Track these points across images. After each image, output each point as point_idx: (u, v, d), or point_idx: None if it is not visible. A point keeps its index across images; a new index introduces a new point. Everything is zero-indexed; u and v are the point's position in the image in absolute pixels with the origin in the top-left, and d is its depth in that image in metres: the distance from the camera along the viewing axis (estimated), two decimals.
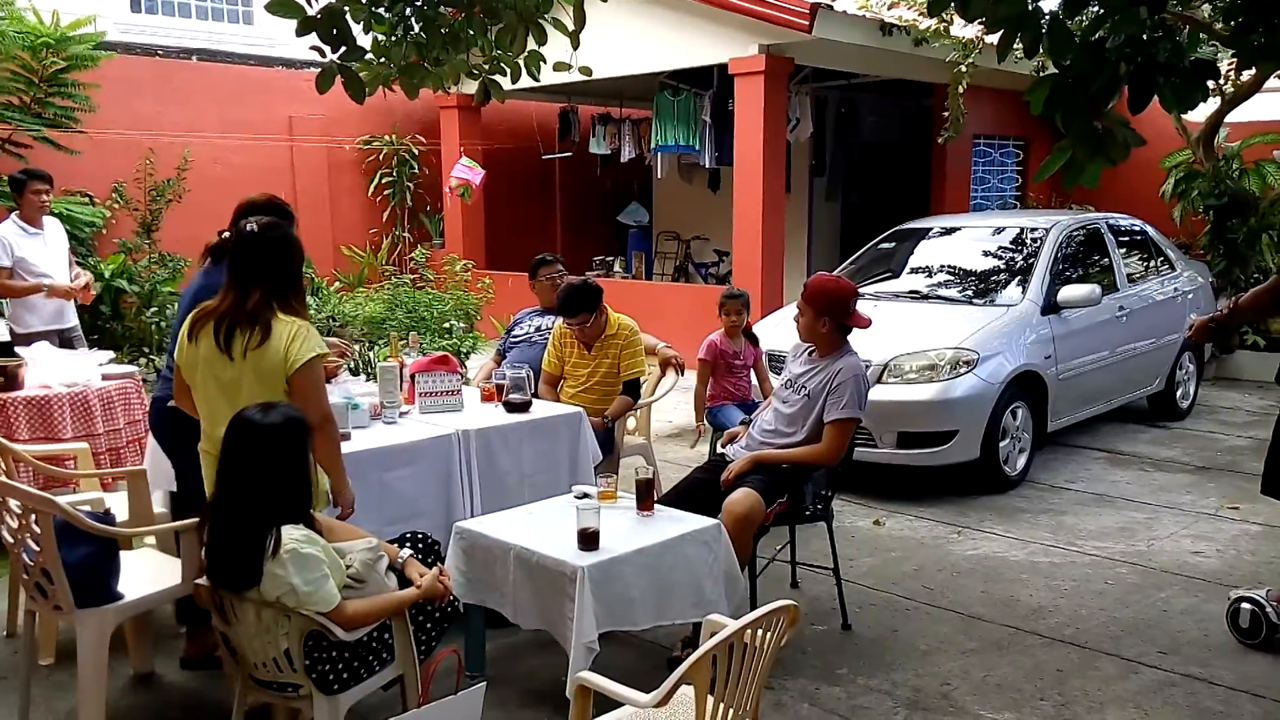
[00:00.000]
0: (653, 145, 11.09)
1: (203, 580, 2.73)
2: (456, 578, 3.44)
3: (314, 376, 3.08)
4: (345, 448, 3.72)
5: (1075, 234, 6.96)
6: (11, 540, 3.23)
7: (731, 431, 4.46)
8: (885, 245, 7.57)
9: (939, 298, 6.67)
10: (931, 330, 6.01)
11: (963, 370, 5.71)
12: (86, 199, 9.54)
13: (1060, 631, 4.04)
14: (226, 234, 3.55)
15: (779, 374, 4.81)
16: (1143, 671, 3.70)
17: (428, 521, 3.73)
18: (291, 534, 2.63)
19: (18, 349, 5.14)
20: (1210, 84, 8.98)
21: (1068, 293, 6.34)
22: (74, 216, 8.78)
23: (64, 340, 6.16)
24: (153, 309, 8.61)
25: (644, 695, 2.35)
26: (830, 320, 4.01)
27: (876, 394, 5.54)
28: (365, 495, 3.66)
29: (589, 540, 3.23)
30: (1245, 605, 3.88)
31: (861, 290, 6.69)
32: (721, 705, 2.40)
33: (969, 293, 6.64)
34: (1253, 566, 4.67)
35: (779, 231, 9.32)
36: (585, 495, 3.51)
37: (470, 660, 3.64)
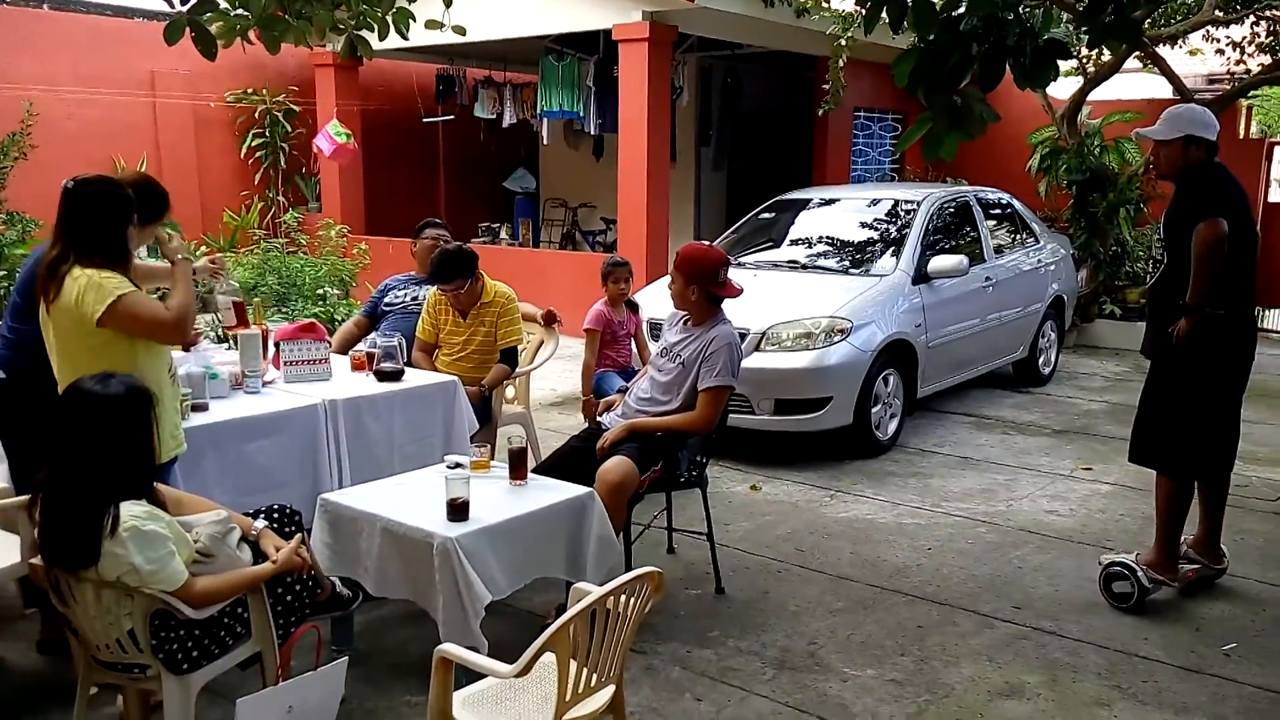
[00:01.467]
0: (538, 110, 10.94)
1: (37, 559, 2.57)
2: (321, 550, 3.34)
3: (125, 310, 2.92)
4: (203, 418, 3.60)
5: (946, 206, 7.17)
6: None
7: (607, 400, 4.45)
8: (766, 215, 7.65)
9: (817, 267, 6.79)
10: (808, 299, 6.12)
11: (837, 338, 5.83)
12: None
13: (922, 590, 4.19)
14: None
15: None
16: (997, 626, 3.87)
17: (293, 494, 3.61)
18: (132, 510, 2.49)
19: None
20: (1071, 63, 9.30)
21: (937, 263, 6.53)
22: None
23: None
24: (1, 272, 8.07)
25: (505, 666, 2.33)
26: (699, 288, 4.02)
27: (755, 361, 5.64)
28: (224, 467, 3.55)
29: (458, 511, 3.18)
30: (1116, 568, 4.00)
31: (741, 260, 6.85)
32: (585, 671, 2.40)
33: (845, 263, 6.78)
34: (1102, 524, 4.93)
35: (664, 200, 9.34)
36: (458, 465, 3.45)
37: (337, 634, 3.56)
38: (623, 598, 2.42)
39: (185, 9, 3.44)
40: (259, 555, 2.87)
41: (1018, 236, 7.87)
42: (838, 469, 5.79)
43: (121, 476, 2.54)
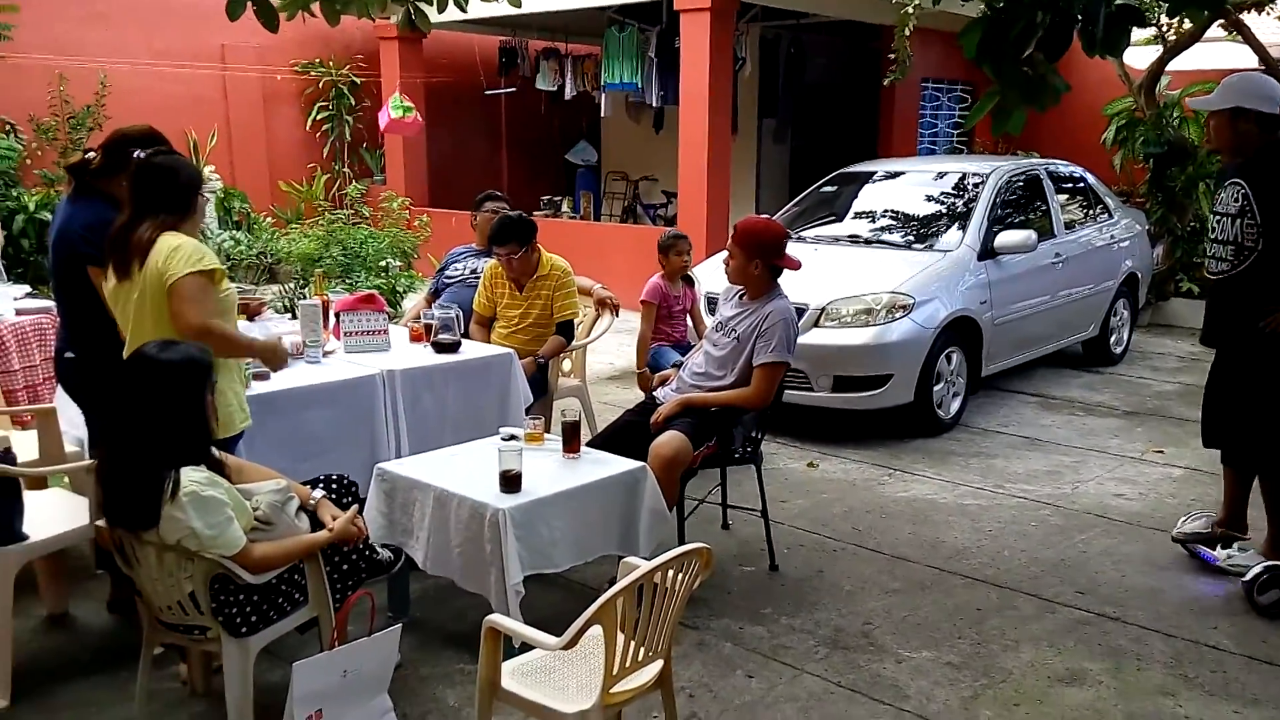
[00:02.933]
0: (600, 83, 10.88)
1: (102, 522, 2.65)
2: (376, 519, 3.39)
3: (189, 285, 2.92)
4: (264, 386, 3.66)
5: (1015, 180, 6.98)
6: None
7: (662, 374, 4.43)
8: (828, 189, 7.53)
9: (879, 242, 6.66)
10: (869, 274, 6.01)
11: (898, 315, 5.72)
12: (9, 129, 9.15)
13: (982, 572, 4.11)
14: (91, 153, 3.43)
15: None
16: (1059, 611, 3.78)
17: (349, 462, 3.66)
18: (192, 476, 2.55)
19: None
20: (1149, 31, 8.91)
21: (1004, 238, 6.36)
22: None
23: None
24: None
25: (553, 638, 2.34)
26: (762, 262, 3.97)
27: (813, 338, 5.57)
28: (283, 435, 3.59)
29: (511, 483, 3.19)
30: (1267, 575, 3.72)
31: (801, 234, 6.75)
32: (633, 645, 2.39)
33: (908, 237, 6.64)
34: (1173, 509, 4.77)
35: (725, 173, 9.24)
36: (512, 437, 3.46)
37: (394, 602, 3.61)
38: (671, 573, 2.41)
39: None
40: (316, 524, 2.92)
41: (1090, 211, 7.62)
42: (897, 447, 5.70)
43: (179, 442, 2.60)
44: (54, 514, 3.37)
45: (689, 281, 5.61)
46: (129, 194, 3.05)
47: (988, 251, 6.31)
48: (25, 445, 3.85)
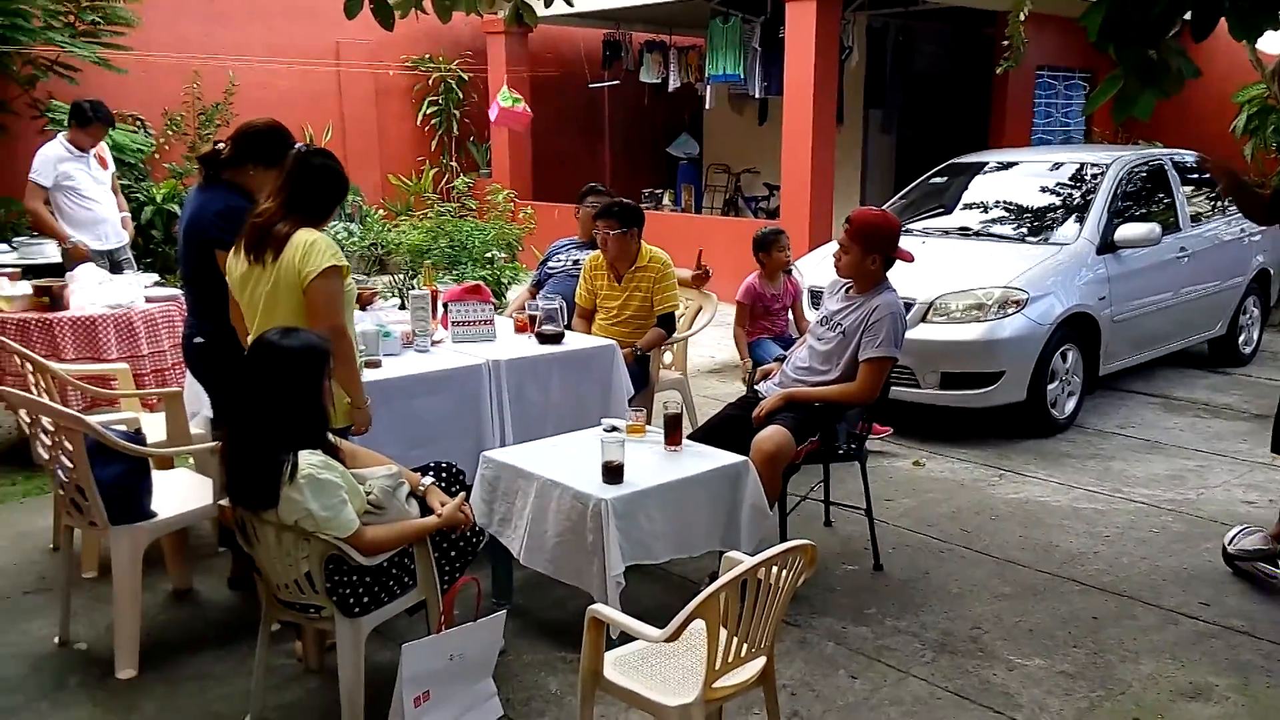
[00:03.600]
0: (704, 75, 10.83)
1: (225, 501, 2.75)
2: (480, 507, 3.44)
3: (325, 288, 3.05)
4: (376, 374, 3.74)
5: (1137, 170, 6.67)
6: (47, 458, 3.28)
7: (765, 368, 4.39)
8: (937, 180, 7.33)
9: (990, 235, 6.47)
10: (980, 268, 5.83)
11: (1011, 310, 5.54)
12: (138, 124, 9.61)
13: (1099, 579, 3.95)
14: (221, 145, 3.58)
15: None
16: (1182, 622, 3.61)
17: (455, 450, 3.72)
18: (309, 459, 2.63)
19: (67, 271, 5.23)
20: None
21: (1126, 231, 6.09)
22: (123, 144, 8.85)
23: (114, 263, 6.25)
24: None
25: (655, 630, 2.33)
26: (880, 256, 3.88)
27: (920, 333, 5.43)
28: (393, 422, 3.67)
29: (613, 473, 3.20)
30: None
31: (909, 226, 6.59)
32: (735, 641, 2.37)
33: (1022, 230, 6.42)
34: None
35: (829, 165, 9.09)
36: (614, 429, 3.47)
37: (497, 588, 3.67)
38: (775, 569, 2.38)
39: None
40: (425, 509, 2.98)
41: (1218, 204, 7.24)
42: (1008, 447, 5.52)
43: (299, 425, 2.68)
44: (180, 493, 3.52)
45: (790, 274, 5.54)
46: (280, 185, 3.15)
47: (1108, 245, 6.05)
48: (153, 427, 4.04)
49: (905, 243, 4.04)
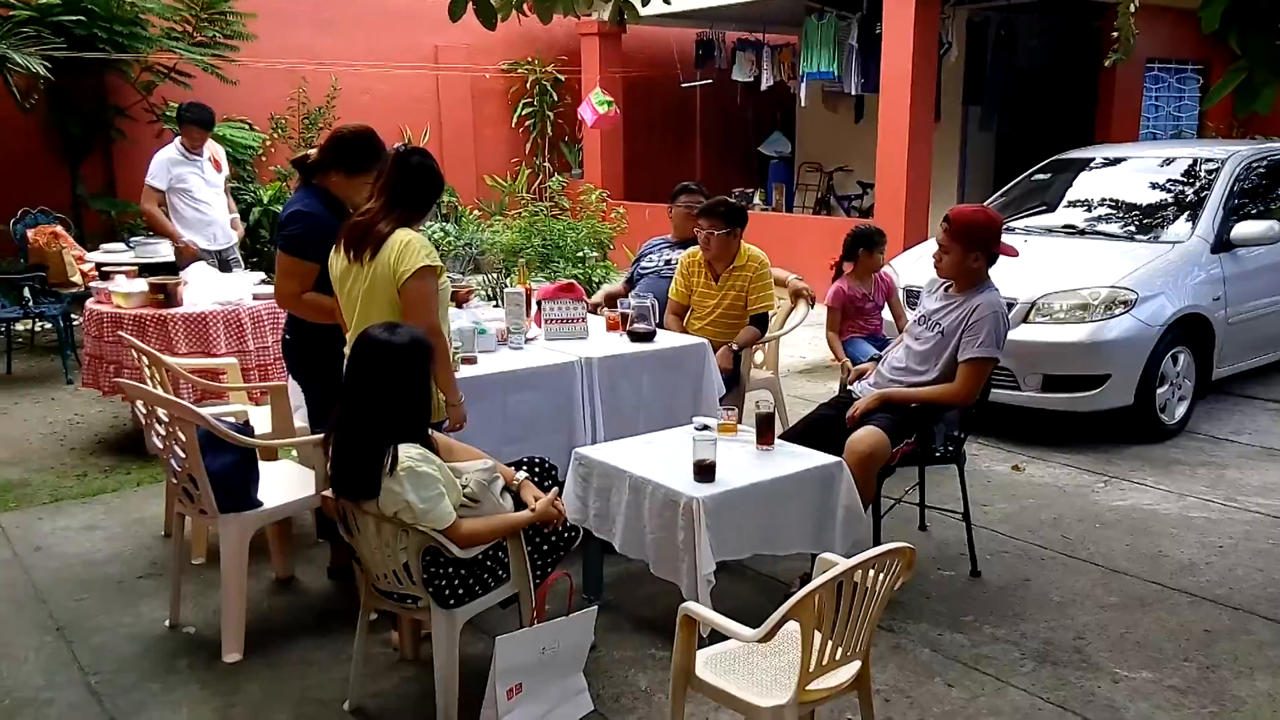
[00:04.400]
0: (801, 72, 10.72)
1: (328, 491, 2.83)
2: (573, 503, 3.47)
3: (419, 288, 3.11)
4: (471, 371, 3.81)
5: (1255, 166, 6.36)
6: (161, 448, 3.43)
7: (860, 368, 4.31)
8: (1040, 176, 7.12)
9: (1097, 233, 6.24)
10: (1086, 267, 5.64)
11: (1119, 311, 5.34)
12: (245, 126, 9.98)
13: (1211, 591, 3.77)
14: (311, 151, 3.69)
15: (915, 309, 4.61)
16: None
17: (547, 446, 3.76)
18: (408, 452, 2.68)
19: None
20: None
21: (1243, 229, 5.82)
22: (234, 140, 9.21)
23: (222, 262, 6.50)
24: None
25: (749, 630, 2.31)
26: (983, 254, 3.78)
27: (1022, 334, 5.28)
28: (488, 417, 3.72)
29: (705, 472, 3.19)
30: None
31: (1011, 224, 6.40)
32: (830, 644, 2.33)
33: (1130, 228, 6.19)
34: None
35: (926, 162, 8.91)
36: (705, 427, 3.46)
37: (588, 584, 3.69)
38: (871, 572, 2.33)
39: None
40: (519, 504, 3.01)
41: None
42: (1113, 453, 5.32)
43: (401, 419, 2.74)
44: (284, 484, 3.63)
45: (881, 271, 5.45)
46: (381, 185, 3.23)
47: (1223, 243, 5.79)
48: (258, 419, 4.19)
49: (1007, 240, 3.93)
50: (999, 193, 7.26)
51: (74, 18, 8.23)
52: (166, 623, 3.55)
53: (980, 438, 5.45)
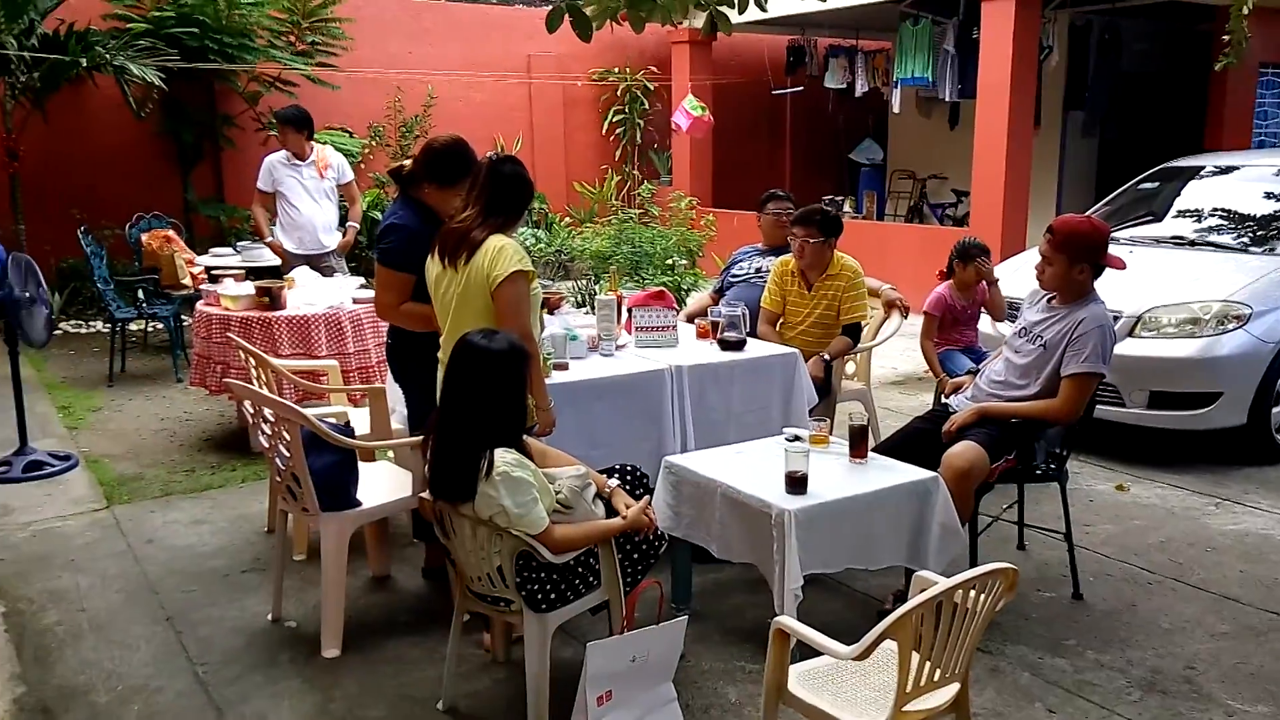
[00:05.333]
0: (895, 78, 10.56)
1: (426, 493, 2.88)
2: (663, 511, 3.47)
3: (511, 292, 3.16)
4: (562, 377, 3.84)
5: None
6: (267, 446, 3.54)
7: (956, 381, 4.22)
8: (1147, 185, 6.87)
9: (1208, 244, 6.00)
10: (1196, 280, 5.42)
11: (1232, 325, 5.11)
12: (346, 134, 10.27)
13: None
14: (408, 162, 3.76)
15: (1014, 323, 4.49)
16: None
17: (637, 453, 3.77)
18: (504, 457, 2.72)
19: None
20: None
21: None
22: (336, 146, 9.49)
23: (313, 268, 6.68)
24: None
25: (844, 646, 2.27)
26: (1088, 266, 3.66)
27: (1127, 348, 5.10)
28: (578, 424, 3.74)
29: (797, 484, 3.16)
30: None
31: (1116, 234, 6.19)
32: (928, 664, 2.28)
33: (1244, 240, 5.93)
34: None
35: (1024, 170, 8.69)
36: (796, 438, 3.42)
37: (676, 593, 3.68)
38: (973, 592, 2.27)
39: None
40: (610, 511, 3.02)
41: None
42: (1224, 474, 5.10)
43: (498, 424, 2.78)
44: (382, 485, 3.72)
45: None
46: (475, 193, 3.29)
47: None
48: (357, 421, 4.29)
49: (1113, 252, 3.80)
50: (1103, 202, 7.03)
51: (187, 30, 8.60)
52: (269, 616, 3.66)
53: (1082, 455, 5.28)
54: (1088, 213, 6.44)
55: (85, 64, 8.10)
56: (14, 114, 8.29)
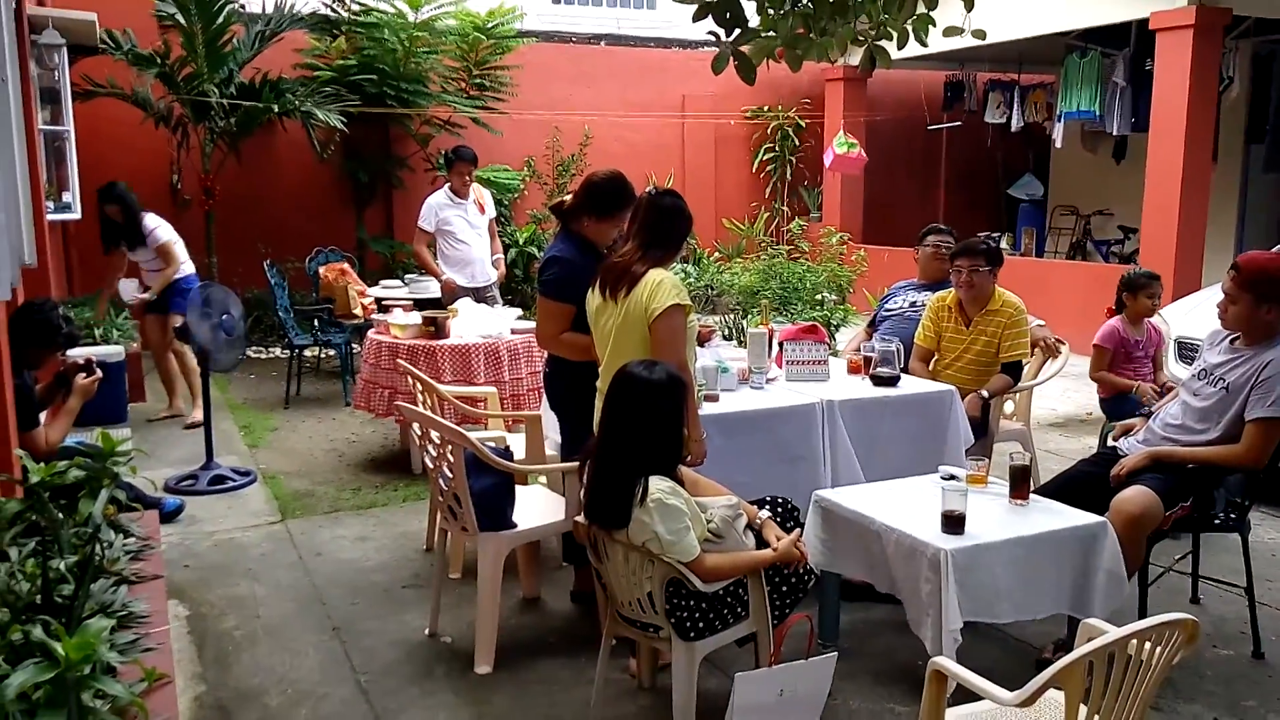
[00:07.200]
0: (1058, 112, 10.23)
1: (581, 518, 2.96)
2: (814, 545, 3.44)
3: (669, 325, 3.24)
4: (713, 408, 3.87)
5: None
6: (431, 467, 3.71)
7: (1126, 424, 4.02)
8: None
9: None
10: None
11: None
12: (507, 171, 10.70)
13: None
14: (568, 197, 3.89)
15: (1189, 364, 4.26)
16: None
17: (787, 486, 3.74)
18: (658, 485, 2.77)
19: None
20: None
21: None
22: (498, 182, 9.91)
23: (480, 300, 6.97)
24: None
25: (1007, 693, 2.20)
26: (1276, 305, 3.45)
27: None
28: (728, 455, 3.76)
29: (954, 523, 3.08)
30: None
31: None
32: (1095, 718, 2.18)
33: None
34: None
35: (1201, 206, 8.23)
36: (951, 477, 3.34)
37: (824, 630, 3.63)
38: (1148, 644, 2.16)
39: (730, 40, 3.72)
40: (760, 543, 3.03)
41: None
42: None
43: (654, 453, 2.84)
44: (536, 508, 3.83)
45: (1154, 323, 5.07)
46: (635, 226, 3.42)
47: None
48: (513, 446, 4.44)
49: None
50: None
51: (368, 77, 9.19)
52: (426, 631, 3.81)
53: (1265, 506, 4.92)
54: (1274, 249, 6.06)
55: (276, 110, 8.76)
56: (212, 156, 9.03)
